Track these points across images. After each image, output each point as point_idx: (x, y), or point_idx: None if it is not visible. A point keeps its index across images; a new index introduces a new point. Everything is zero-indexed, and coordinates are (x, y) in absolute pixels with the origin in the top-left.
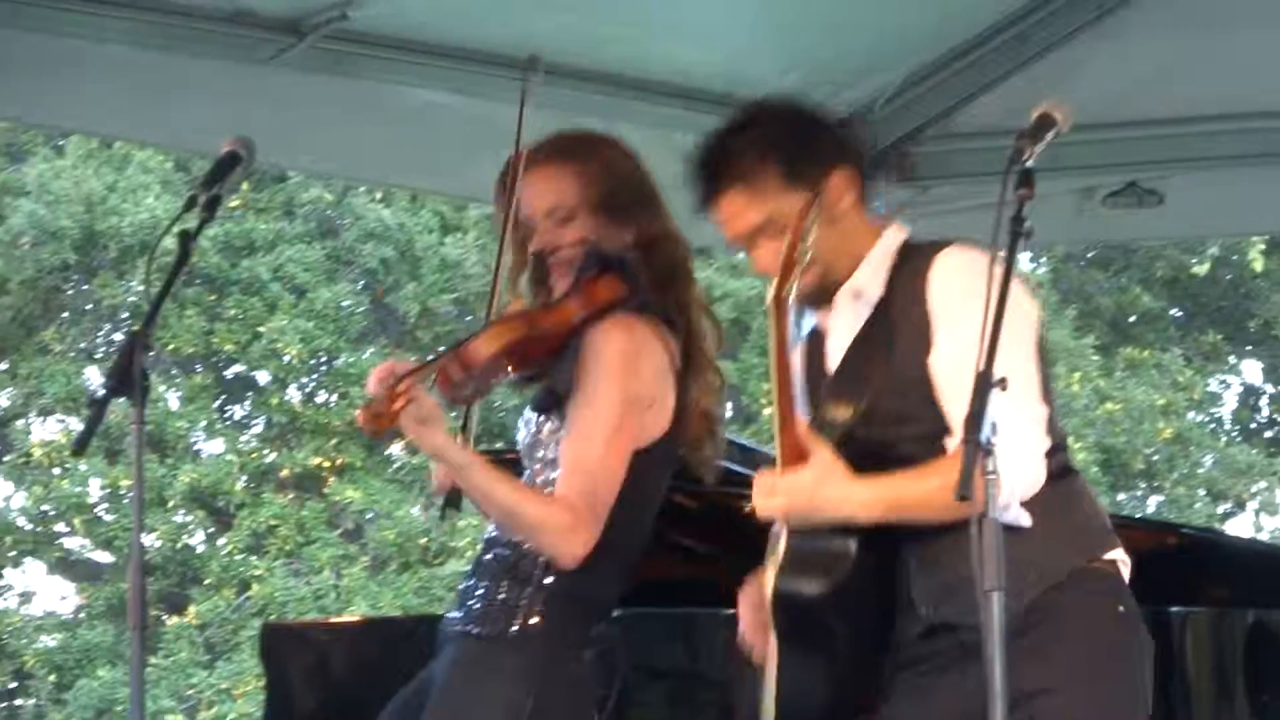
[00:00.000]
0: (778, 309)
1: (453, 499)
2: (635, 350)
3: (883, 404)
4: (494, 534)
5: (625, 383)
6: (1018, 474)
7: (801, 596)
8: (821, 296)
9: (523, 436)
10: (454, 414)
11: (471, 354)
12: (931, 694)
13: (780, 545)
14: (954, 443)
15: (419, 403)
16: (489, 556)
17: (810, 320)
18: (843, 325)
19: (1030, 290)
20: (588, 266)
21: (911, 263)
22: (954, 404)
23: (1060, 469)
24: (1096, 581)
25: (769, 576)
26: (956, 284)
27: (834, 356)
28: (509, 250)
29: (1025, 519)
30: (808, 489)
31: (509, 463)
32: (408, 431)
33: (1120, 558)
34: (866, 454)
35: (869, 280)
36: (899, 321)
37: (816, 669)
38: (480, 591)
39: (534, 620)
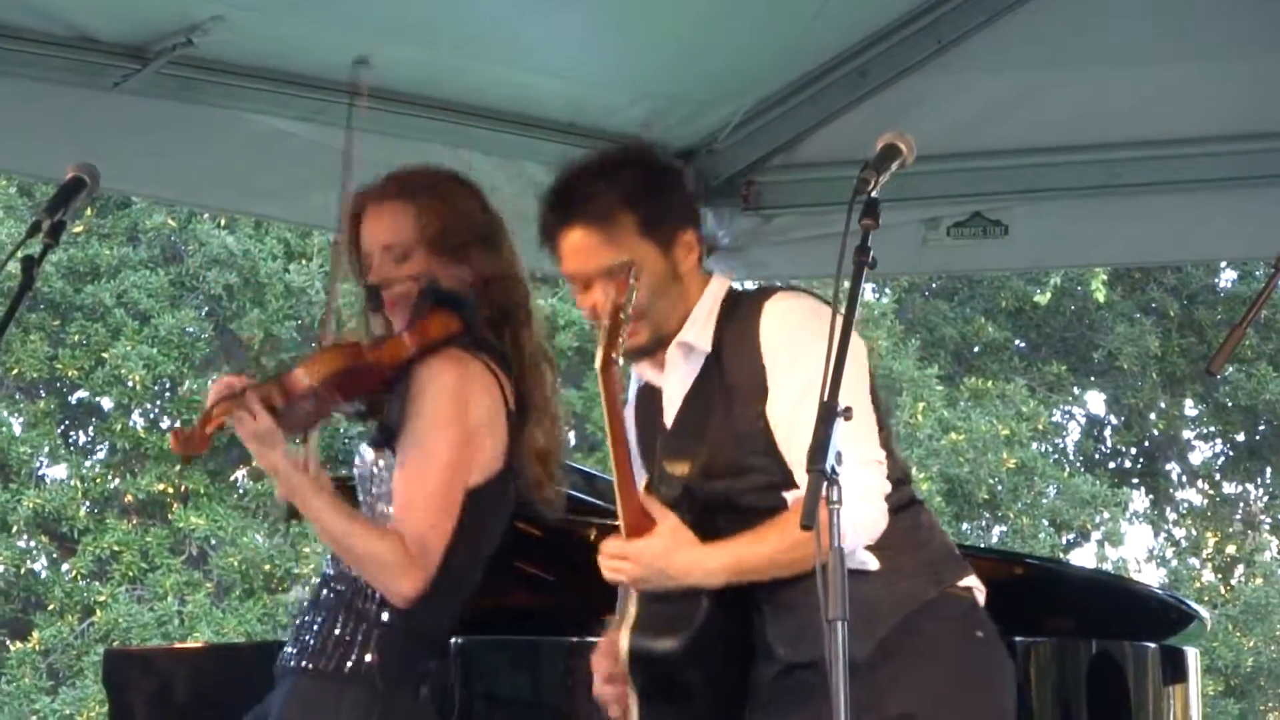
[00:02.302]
0: (606, 375)
1: (294, 508)
2: (466, 386)
3: (721, 457)
4: (329, 570)
5: (456, 419)
6: (860, 520)
7: (657, 653)
8: (653, 352)
9: (357, 469)
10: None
11: (293, 382)
12: None
13: (631, 604)
14: (794, 495)
15: (258, 420)
16: (326, 592)
17: (648, 375)
18: (676, 379)
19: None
20: (423, 302)
21: (738, 312)
22: (794, 450)
23: (903, 502)
24: (950, 608)
25: (623, 635)
26: (787, 332)
27: (669, 412)
28: (354, 280)
29: (873, 563)
30: (658, 557)
31: (350, 490)
32: (248, 446)
33: (975, 584)
34: (709, 507)
35: (698, 334)
36: (732, 372)
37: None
38: (316, 627)
39: (369, 657)
